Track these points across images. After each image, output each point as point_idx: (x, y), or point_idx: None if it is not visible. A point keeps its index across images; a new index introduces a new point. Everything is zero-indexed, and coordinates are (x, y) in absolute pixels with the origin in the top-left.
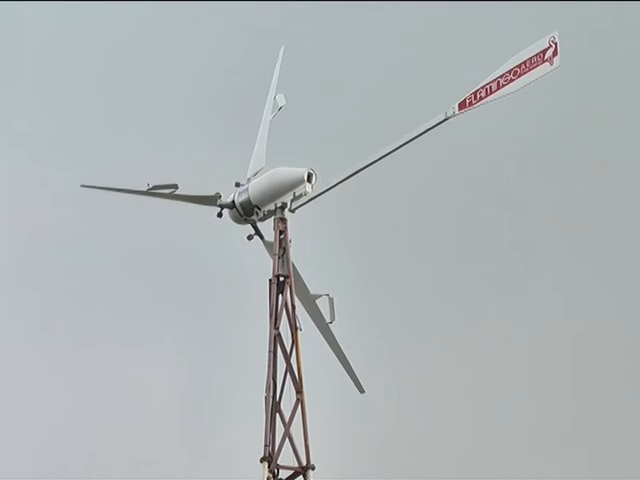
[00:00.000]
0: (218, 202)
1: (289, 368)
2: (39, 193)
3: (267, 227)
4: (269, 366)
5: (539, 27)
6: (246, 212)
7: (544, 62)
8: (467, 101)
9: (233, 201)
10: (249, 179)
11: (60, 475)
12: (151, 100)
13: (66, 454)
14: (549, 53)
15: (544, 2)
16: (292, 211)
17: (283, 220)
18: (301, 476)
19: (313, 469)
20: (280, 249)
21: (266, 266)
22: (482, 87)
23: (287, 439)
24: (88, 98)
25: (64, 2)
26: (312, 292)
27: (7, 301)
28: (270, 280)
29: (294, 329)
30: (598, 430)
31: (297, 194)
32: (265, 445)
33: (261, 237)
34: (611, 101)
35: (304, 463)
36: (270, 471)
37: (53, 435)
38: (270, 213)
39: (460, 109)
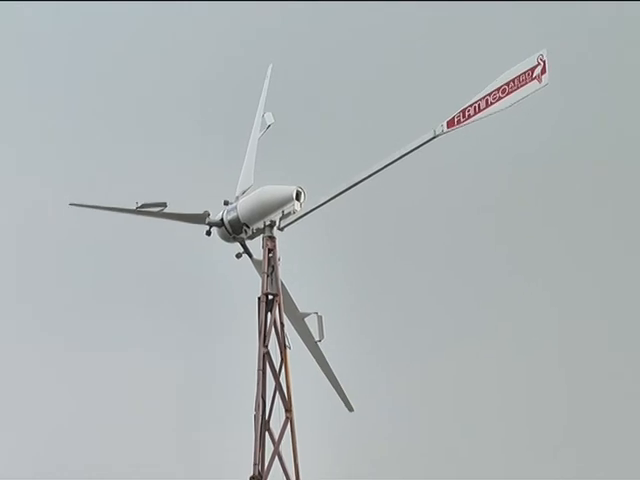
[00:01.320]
0: (207, 220)
1: (278, 386)
2: (37, 194)
3: (256, 245)
4: (258, 384)
5: (538, 27)
6: (235, 230)
7: (533, 80)
8: (456, 119)
9: (222, 219)
10: (237, 197)
11: (60, 475)
12: (146, 107)
13: (66, 454)
14: (537, 71)
15: (544, 2)
16: (281, 229)
17: (272, 238)
18: None
19: None
20: (269, 267)
21: (255, 284)
22: (470, 105)
23: (276, 458)
24: (87, 99)
25: (64, 2)
26: (301, 310)
27: (7, 301)
28: (259, 298)
29: (283, 347)
30: (592, 433)
31: (286, 212)
32: (254, 464)
33: (250, 255)
34: (610, 104)
35: None
36: None
37: (53, 435)
38: (259, 231)
39: (449, 127)
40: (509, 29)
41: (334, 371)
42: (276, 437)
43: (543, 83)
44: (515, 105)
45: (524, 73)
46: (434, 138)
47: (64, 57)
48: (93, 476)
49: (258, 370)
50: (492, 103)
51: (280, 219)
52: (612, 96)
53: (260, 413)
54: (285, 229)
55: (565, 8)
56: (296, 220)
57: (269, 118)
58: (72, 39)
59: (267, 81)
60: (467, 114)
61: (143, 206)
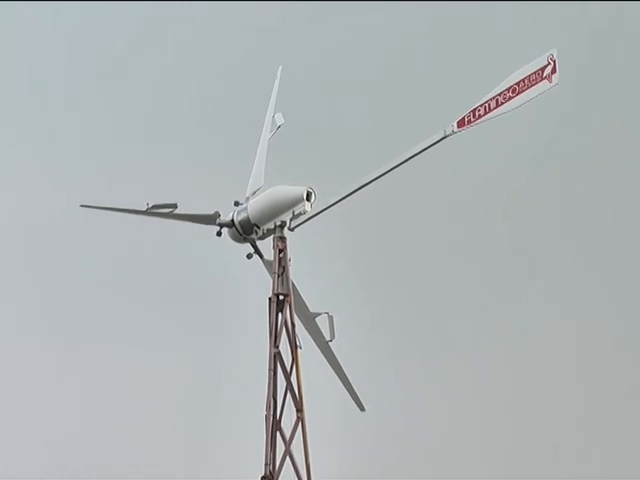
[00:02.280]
0: (217, 221)
1: (289, 386)
2: (39, 195)
3: (266, 246)
4: (269, 384)
5: (538, 29)
6: (245, 231)
7: (543, 80)
8: (466, 119)
9: (232, 220)
10: (248, 198)
11: (60, 475)
12: (149, 109)
13: (66, 454)
14: (548, 70)
15: (544, 2)
16: (291, 230)
17: (282, 239)
18: None
19: None
20: (280, 268)
21: (266, 285)
22: (481, 105)
23: (288, 457)
24: (87, 99)
25: (64, 2)
26: (312, 310)
27: (8, 301)
28: (270, 299)
29: (294, 347)
30: (603, 434)
31: (296, 213)
32: (266, 464)
33: (260, 256)
34: (611, 103)
35: None
36: None
37: (53, 435)
38: (269, 232)
39: (459, 127)
40: (515, 29)
41: (345, 371)
42: (287, 437)
43: (553, 83)
44: (525, 105)
45: (534, 73)
46: (444, 138)
47: (64, 57)
48: (93, 476)
49: (269, 370)
50: (502, 103)
51: (291, 219)
52: (617, 95)
53: (271, 413)
54: (296, 229)
55: (568, 8)
56: (307, 220)
57: (279, 119)
58: (72, 39)
59: (277, 82)
60: (477, 114)
61: (154, 207)
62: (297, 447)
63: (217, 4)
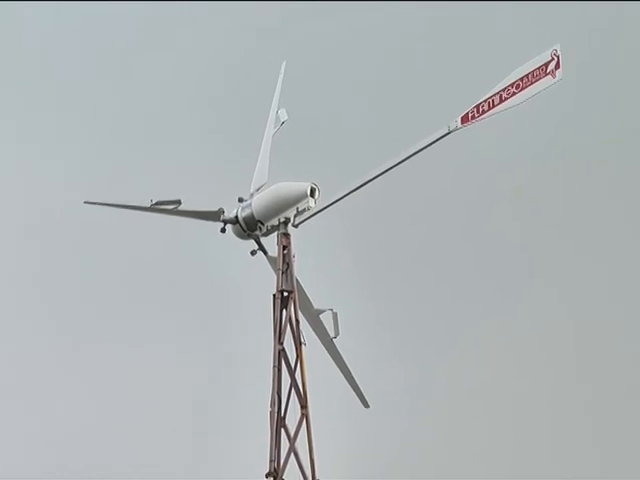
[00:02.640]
0: (221, 217)
1: (294, 383)
2: (39, 194)
3: (271, 242)
4: (274, 381)
5: (539, 27)
6: (249, 227)
7: (546, 75)
8: (470, 115)
9: (236, 216)
10: (252, 194)
11: (60, 475)
12: (151, 107)
13: (66, 454)
14: (551, 66)
15: (544, 2)
16: (295, 226)
17: (286, 235)
18: None
19: None
20: (284, 264)
21: (270, 281)
22: (484, 100)
23: (292, 454)
24: (88, 99)
25: (64, 2)
26: (316, 307)
27: (9, 301)
28: (274, 295)
29: (298, 344)
30: (605, 434)
31: (300, 209)
32: (270, 460)
33: (264, 252)
34: (613, 102)
35: (310, 478)
36: None
37: (53, 435)
38: (273, 228)
39: (463, 123)
40: (516, 29)
41: (350, 367)
42: (292, 434)
43: (557, 78)
44: (529, 100)
45: (538, 68)
46: (448, 134)
47: (64, 57)
48: (93, 476)
49: (273, 367)
50: (506, 98)
51: (295, 216)
52: (619, 94)
53: (276, 410)
54: (300, 226)
55: (568, 7)
56: (311, 217)
57: (283, 115)
58: (72, 39)
59: (281, 77)
60: (481, 110)
61: (157, 203)
62: (302, 443)
63: (217, 4)
